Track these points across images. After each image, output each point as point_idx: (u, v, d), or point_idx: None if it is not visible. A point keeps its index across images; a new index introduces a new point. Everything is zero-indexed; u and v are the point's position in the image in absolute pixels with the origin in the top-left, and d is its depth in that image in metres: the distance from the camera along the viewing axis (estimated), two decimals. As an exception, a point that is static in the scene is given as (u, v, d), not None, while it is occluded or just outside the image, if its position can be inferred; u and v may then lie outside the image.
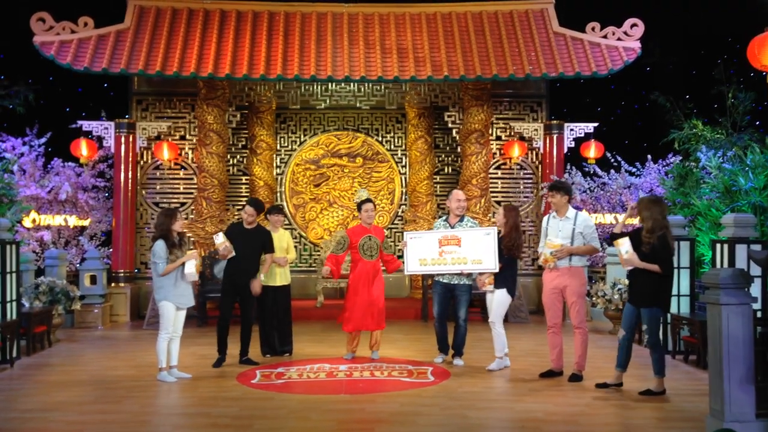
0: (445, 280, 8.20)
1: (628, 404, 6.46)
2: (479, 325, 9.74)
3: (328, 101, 13.98)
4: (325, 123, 14.32)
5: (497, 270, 7.74)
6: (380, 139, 14.33)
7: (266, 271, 8.50)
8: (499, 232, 7.92)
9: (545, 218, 7.70)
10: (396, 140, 14.35)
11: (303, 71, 11.80)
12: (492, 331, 7.83)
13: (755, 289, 7.11)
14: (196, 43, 12.15)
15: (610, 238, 7.20)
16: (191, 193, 13.33)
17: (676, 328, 8.78)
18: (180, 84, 12.94)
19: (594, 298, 10.70)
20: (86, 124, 12.90)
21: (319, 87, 13.64)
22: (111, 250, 13.04)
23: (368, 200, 8.61)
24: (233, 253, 7.99)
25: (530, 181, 13.75)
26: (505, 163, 13.70)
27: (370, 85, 13.53)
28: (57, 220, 12.64)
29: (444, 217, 8.48)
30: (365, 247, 8.32)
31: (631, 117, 17.96)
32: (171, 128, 13.36)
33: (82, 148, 12.70)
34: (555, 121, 13.42)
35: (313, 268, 13.78)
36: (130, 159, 12.98)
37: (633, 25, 12.48)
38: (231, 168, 13.77)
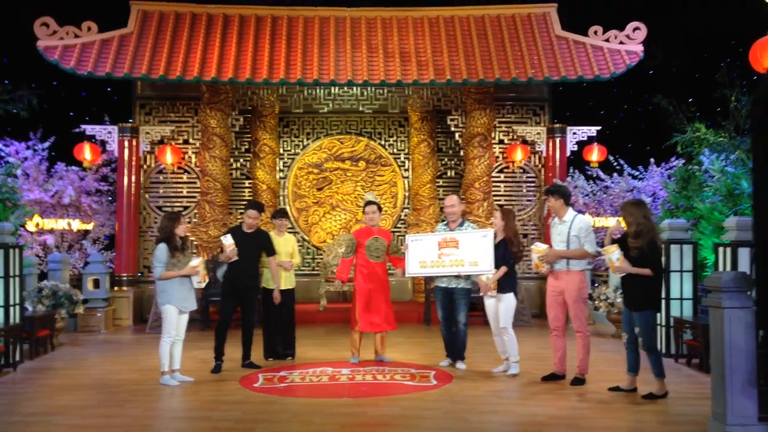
0: (443, 284, 8.23)
1: (631, 408, 6.45)
2: (481, 329, 9.73)
3: (330, 105, 14.00)
4: (327, 127, 14.34)
5: (492, 272, 7.75)
6: (383, 142, 14.35)
7: (276, 273, 8.52)
8: (495, 235, 7.93)
9: (551, 222, 7.75)
10: (399, 144, 14.36)
11: (306, 75, 11.83)
12: (504, 336, 7.78)
13: (758, 293, 7.08)
14: (199, 48, 12.19)
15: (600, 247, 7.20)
16: (194, 197, 13.36)
17: (679, 331, 8.76)
18: (183, 88, 12.97)
19: (597, 302, 10.68)
20: (90, 129, 12.93)
21: (321, 91, 13.67)
22: (114, 253, 13.07)
23: (371, 202, 8.61)
24: (237, 257, 8.00)
25: (533, 184, 13.75)
26: (507, 167, 13.70)
27: (373, 89, 13.55)
28: (60, 224, 12.67)
29: (445, 221, 8.50)
30: (372, 248, 8.34)
31: (634, 120, 17.96)
32: (174, 132, 13.39)
33: (86, 152, 12.73)
34: (558, 125, 13.43)
35: (315, 272, 13.78)
36: (134, 163, 13.01)
37: (635, 29, 12.50)
38: (234, 172, 13.79)
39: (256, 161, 13.60)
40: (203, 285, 7.55)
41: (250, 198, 13.70)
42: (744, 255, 7.86)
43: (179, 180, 13.54)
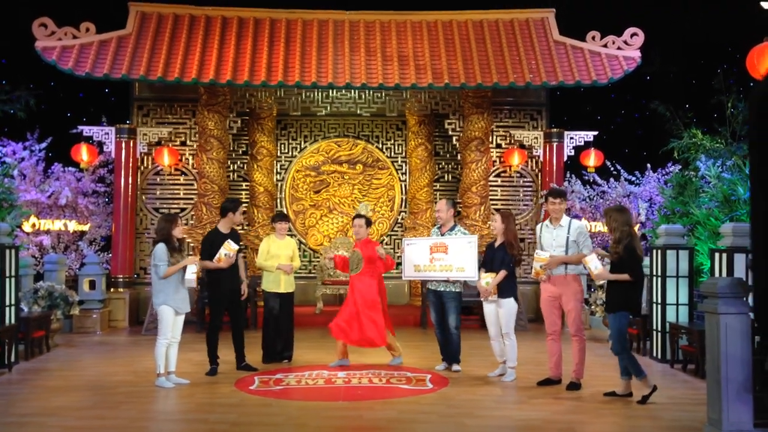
0: (433, 287, 8.31)
1: (626, 413, 6.46)
2: (477, 333, 9.74)
3: (328, 108, 14.01)
4: (325, 130, 14.34)
5: (477, 279, 7.80)
6: (380, 146, 14.35)
7: (242, 267, 8.46)
8: (494, 240, 7.94)
9: (538, 227, 7.69)
10: (396, 147, 14.37)
11: (304, 78, 11.84)
12: (506, 341, 7.76)
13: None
14: (197, 50, 12.19)
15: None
16: (191, 199, 13.35)
17: (675, 337, 8.77)
18: (181, 90, 12.97)
19: (593, 306, 10.70)
20: (87, 129, 12.93)
21: (319, 94, 13.68)
22: (110, 255, 13.04)
23: (357, 216, 8.65)
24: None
25: (530, 189, 13.77)
26: (505, 171, 13.72)
27: (371, 93, 13.57)
28: (57, 224, 12.65)
29: (438, 225, 8.54)
30: (351, 261, 8.46)
31: (631, 126, 18.00)
32: (172, 134, 13.38)
33: (83, 153, 12.72)
34: (555, 130, 13.45)
35: (312, 275, 13.78)
36: (131, 164, 13.00)
37: (633, 35, 12.54)
38: (231, 174, 13.78)
39: (254, 163, 13.59)
40: (194, 284, 7.52)
41: (248, 201, 13.70)
42: (740, 261, 7.88)
43: (176, 182, 13.53)
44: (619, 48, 12.53)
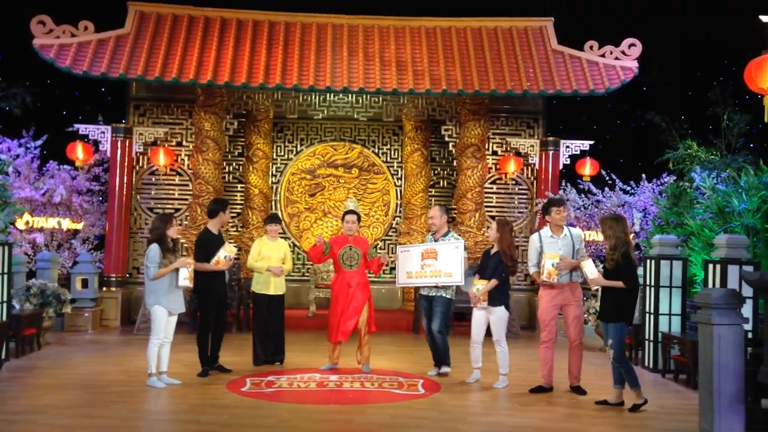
0: (424, 292, 8.33)
1: (618, 422, 6.46)
2: (469, 339, 9.71)
3: (325, 112, 14.02)
4: (322, 133, 14.34)
5: (463, 284, 7.85)
6: (376, 150, 14.36)
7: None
8: (491, 246, 7.94)
9: (536, 236, 7.66)
10: (392, 152, 14.38)
11: (302, 81, 11.84)
12: (497, 348, 7.76)
13: (747, 310, 7.14)
14: (195, 50, 12.19)
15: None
16: (186, 200, 13.32)
17: (667, 346, 8.79)
18: (178, 90, 12.94)
19: (586, 315, 10.70)
20: (83, 128, 12.89)
21: (317, 97, 13.68)
22: (103, 254, 13.00)
23: (351, 212, 8.66)
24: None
25: (525, 196, 13.79)
26: (500, 178, 13.74)
27: (368, 97, 13.58)
28: (50, 222, 12.60)
29: (433, 232, 8.56)
30: (345, 257, 8.36)
31: (627, 136, 18.04)
32: (168, 134, 13.36)
33: (78, 152, 12.68)
34: (551, 138, 13.48)
35: (305, 278, 13.76)
36: (126, 164, 12.96)
37: (631, 45, 12.59)
38: (226, 175, 13.77)
39: (249, 165, 13.58)
40: (188, 284, 7.49)
41: (243, 202, 13.69)
42: (733, 272, 7.90)
43: (171, 182, 13.50)
44: (616, 58, 12.57)
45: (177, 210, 13.32)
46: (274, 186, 14.17)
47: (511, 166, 13.41)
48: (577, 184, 13.33)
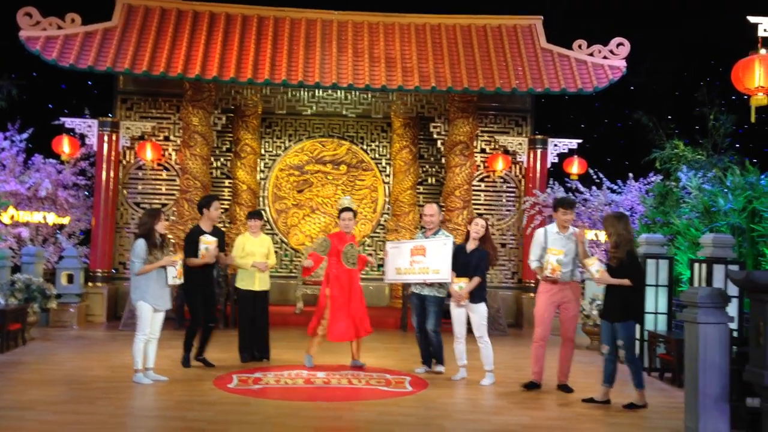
0: (417, 291, 8.30)
1: (605, 419, 6.49)
2: (450, 336, 9.73)
3: (314, 108, 13.99)
4: (310, 129, 14.31)
5: (450, 281, 7.82)
6: (365, 147, 14.35)
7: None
8: (463, 243, 7.95)
9: (541, 231, 7.67)
10: (381, 149, 14.37)
11: (291, 77, 11.80)
12: (480, 345, 7.77)
13: (732, 309, 7.18)
14: (183, 44, 12.13)
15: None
16: (173, 195, 13.25)
17: (653, 345, 8.84)
18: (166, 84, 12.86)
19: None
20: (69, 121, 12.79)
21: (305, 93, 13.65)
22: (89, 249, 12.91)
23: (347, 209, 8.59)
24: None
25: (513, 194, 13.82)
26: (488, 176, 13.77)
27: (357, 94, 13.56)
28: (36, 217, 12.49)
29: (424, 229, 8.55)
30: (349, 254, 8.32)
31: (614, 135, 18.14)
32: (155, 128, 13.28)
33: (64, 146, 12.59)
34: (539, 136, 13.52)
35: (293, 274, 13.74)
36: (113, 158, 12.87)
37: (619, 44, 12.65)
38: (214, 171, 13.71)
39: (237, 161, 13.54)
40: (179, 282, 7.48)
41: (230, 198, 13.65)
42: (719, 271, 7.95)
43: (158, 177, 13.43)
44: (605, 57, 12.63)
45: (164, 205, 13.25)
46: (262, 182, 14.12)
47: (500, 164, 13.44)
48: (564, 183, 13.38)
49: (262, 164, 14.16)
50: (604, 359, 7.02)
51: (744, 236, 9.35)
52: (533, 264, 7.65)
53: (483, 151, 13.75)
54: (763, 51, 7.60)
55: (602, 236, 12.54)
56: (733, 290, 7.49)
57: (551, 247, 7.39)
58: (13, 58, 13.95)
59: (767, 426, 5.05)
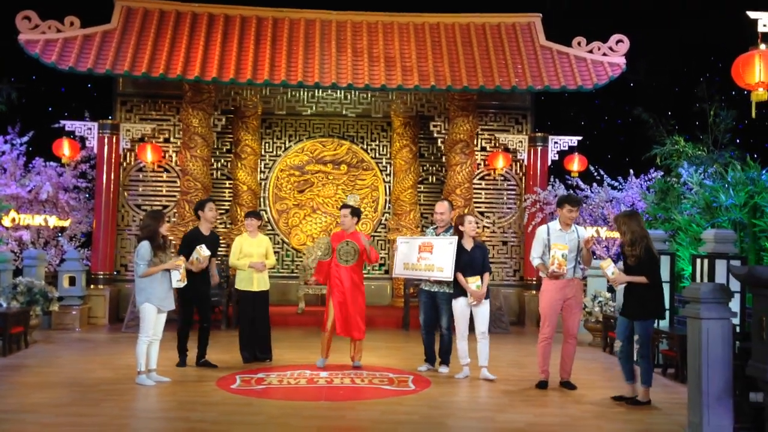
0: (427, 288, 8.27)
1: (608, 416, 6.49)
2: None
3: (314, 108, 13.98)
4: (310, 129, 14.30)
5: (452, 280, 7.87)
6: (365, 147, 14.34)
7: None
8: (461, 241, 7.95)
9: (544, 228, 7.67)
10: (381, 148, 14.36)
11: (290, 77, 11.80)
12: (481, 341, 7.80)
13: (734, 304, 7.18)
14: (183, 46, 12.12)
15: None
16: (174, 196, 13.24)
17: (655, 341, 8.82)
18: (165, 86, 12.85)
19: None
20: (69, 124, 12.78)
21: (305, 93, 13.64)
22: (91, 251, 12.91)
23: (344, 206, 8.61)
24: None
25: (514, 192, 13.82)
26: (489, 174, 13.76)
27: (357, 93, 13.55)
28: (37, 220, 12.49)
29: (434, 226, 8.56)
30: (342, 252, 8.31)
31: (615, 132, 18.13)
32: (155, 130, 13.28)
33: (65, 148, 12.59)
34: (539, 134, 13.50)
35: (295, 274, 13.73)
36: (113, 160, 12.87)
37: (618, 41, 12.64)
38: (215, 172, 13.71)
39: (238, 162, 13.54)
40: (182, 285, 7.50)
41: (231, 199, 13.65)
42: (721, 267, 7.95)
43: (159, 179, 13.43)
44: (604, 54, 12.62)
45: (165, 207, 13.24)
46: (263, 182, 14.12)
47: (500, 162, 13.43)
48: (565, 180, 13.38)
49: (263, 165, 14.15)
50: (618, 358, 7.00)
51: (745, 231, 9.35)
52: (535, 261, 7.64)
53: (483, 149, 13.74)
54: (763, 46, 7.60)
55: (603, 233, 12.54)
56: (735, 285, 7.49)
57: (555, 242, 7.39)
58: (12, 61, 13.94)
59: (771, 421, 5.05)
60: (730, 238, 8.30)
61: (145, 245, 7.30)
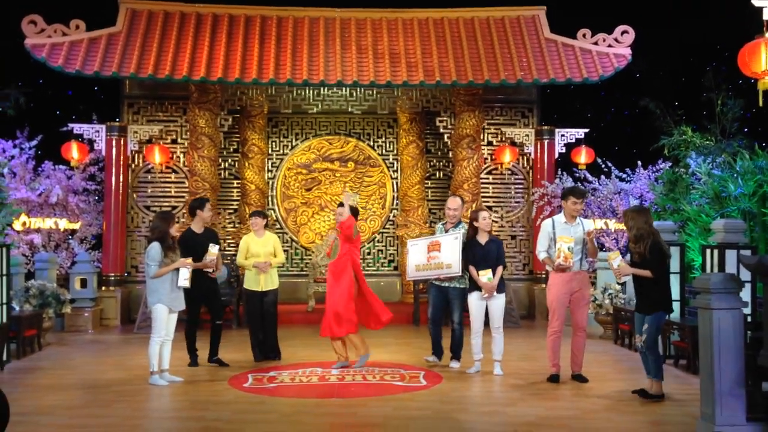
0: (437, 283, 8.28)
1: (620, 408, 6.49)
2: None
3: (320, 106, 13.99)
4: (317, 127, 14.32)
5: (460, 274, 7.91)
6: (372, 143, 14.35)
7: (218, 270, 8.43)
8: (474, 235, 7.95)
9: (549, 222, 7.66)
10: (387, 145, 14.37)
11: (295, 75, 11.82)
12: (496, 336, 7.84)
13: (745, 294, 7.16)
14: (188, 47, 12.15)
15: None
16: (182, 197, 13.29)
17: (666, 332, 8.81)
18: (172, 87, 12.90)
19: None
20: (77, 127, 12.85)
21: (311, 91, 13.64)
22: (101, 253, 12.98)
23: (340, 204, 8.41)
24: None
25: (521, 186, 13.80)
26: (496, 168, 13.75)
27: (362, 90, 13.54)
28: (47, 223, 12.57)
29: (444, 222, 8.57)
30: (334, 249, 8.32)
31: (621, 123, 18.06)
32: (162, 132, 13.33)
33: (73, 151, 12.66)
34: (546, 127, 13.48)
35: (304, 272, 13.76)
36: (122, 162, 12.93)
37: (624, 32, 12.59)
38: (222, 172, 13.75)
39: (245, 161, 13.57)
40: (188, 285, 7.51)
41: (239, 199, 13.69)
42: (731, 257, 7.92)
43: (167, 180, 13.48)
44: (609, 45, 12.58)
45: (174, 207, 13.29)
46: (270, 181, 14.15)
47: (507, 156, 13.42)
48: (572, 173, 13.35)
49: (270, 164, 14.18)
50: (639, 353, 7.00)
51: (755, 221, 9.31)
52: (541, 255, 7.65)
53: (490, 143, 13.73)
54: (768, 34, 7.56)
55: (612, 225, 12.51)
56: (745, 275, 7.46)
57: (561, 235, 7.38)
58: (19, 66, 14.00)
59: (784, 410, 5.04)
60: (740, 227, 8.26)
61: (156, 246, 7.35)
